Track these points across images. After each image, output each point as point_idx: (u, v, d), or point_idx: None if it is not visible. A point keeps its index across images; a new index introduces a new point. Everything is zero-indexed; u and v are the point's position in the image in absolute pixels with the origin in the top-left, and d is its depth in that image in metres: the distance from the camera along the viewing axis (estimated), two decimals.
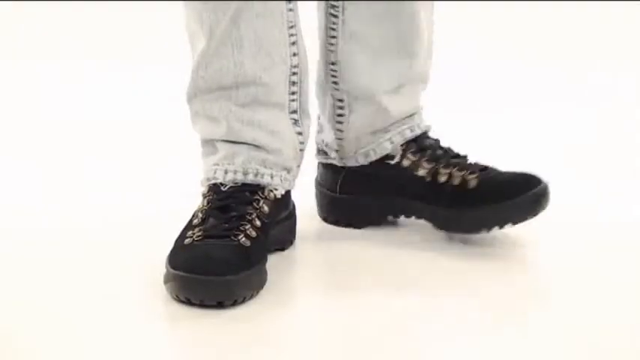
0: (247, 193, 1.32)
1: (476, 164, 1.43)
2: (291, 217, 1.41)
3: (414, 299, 1.26)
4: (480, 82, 2.29)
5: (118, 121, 2.08)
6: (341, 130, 1.46)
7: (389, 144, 1.44)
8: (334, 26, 1.42)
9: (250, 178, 1.33)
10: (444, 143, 1.46)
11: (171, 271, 1.23)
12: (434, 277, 1.33)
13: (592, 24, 2.54)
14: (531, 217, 1.37)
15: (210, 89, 1.33)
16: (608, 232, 1.48)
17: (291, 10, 1.34)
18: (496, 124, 2.02)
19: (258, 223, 1.29)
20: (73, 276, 1.32)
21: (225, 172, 1.33)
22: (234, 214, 1.29)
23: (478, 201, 1.38)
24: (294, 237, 1.43)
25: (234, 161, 1.33)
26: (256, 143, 1.34)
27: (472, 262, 1.37)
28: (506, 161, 1.47)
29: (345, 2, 1.41)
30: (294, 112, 1.37)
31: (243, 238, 1.26)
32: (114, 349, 1.13)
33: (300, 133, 1.38)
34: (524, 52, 2.46)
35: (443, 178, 1.40)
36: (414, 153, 1.43)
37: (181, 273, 1.22)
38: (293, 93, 1.36)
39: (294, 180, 1.39)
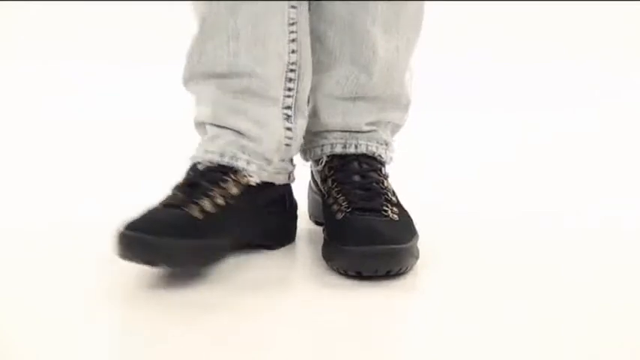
0: (219, 173, 1.33)
1: (371, 204, 1.33)
2: (283, 215, 1.42)
3: (414, 299, 1.27)
4: (471, 83, 2.29)
5: (119, 121, 2.08)
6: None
7: (319, 150, 1.43)
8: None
9: (226, 160, 1.34)
10: (387, 179, 1.40)
11: (119, 230, 1.25)
12: (432, 278, 1.33)
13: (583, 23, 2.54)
14: (354, 270, 1.27)
15: (204, 75, 1.35)
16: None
17: (293, 7, 1.34)
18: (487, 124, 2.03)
19: (219, 201, 1.31)
20: (73, 275, 1.32)
21: (205, 151, 1.35)
22: (198, 190, 1.31)
23: (331, 236, 1.33)
24: (287, 238, 1.43)
25: (214, 143, 1.35)
26: (237, 129, 1.35)
27: (455, 257, 1.37)
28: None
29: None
30: (288, 107, 1.37)
31: (196, 210, 1.28)
32: (111, 348, 1.13)
33: (289, 129, 1.38)
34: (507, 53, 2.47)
35: (329, 201, 1.37)
36: (329, 168, 1.41)
37: (122, 230, 1.24)
38: (289, 89, 1.36)
39: (277, 174, 1.39)
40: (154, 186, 1.68)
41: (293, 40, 1.34)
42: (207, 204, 1.29)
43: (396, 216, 1.33)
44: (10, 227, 1.49)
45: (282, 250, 1.41)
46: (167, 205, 1.29)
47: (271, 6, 1.31)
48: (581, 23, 2.54)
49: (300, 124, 1.39)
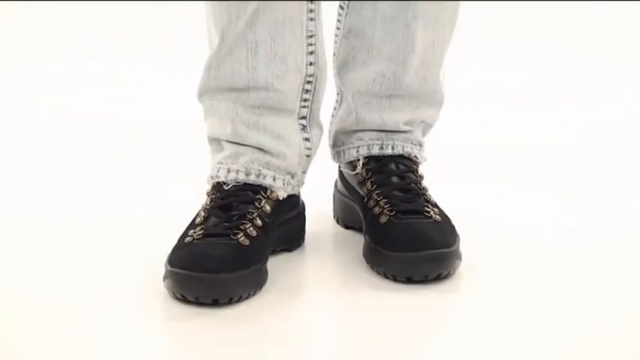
0: (250, 192, 1.32)
1: (413, 206, 1.33)
2: (300, 217, 1.42)
3: (415, 299, 1.26)
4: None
5: (119, 122, 2.08)
6: (331, 123, 1.47)
7: (354, 152, 1.43)
8: (340, 17, 1.42)
9: (252, 179, 1.33)
10: (422, 180, 1.40)
11: (169, 268, 1.23)
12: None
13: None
14: (404, 276, 1.28)
15: (220, 89, 1.33)
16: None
17: (312, 19, 1.32)
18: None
19: (259, 222, 1.30)
20: (74, 275, 1.32)
21: (228, 170, 1.33)
22: (235, 212, 1.29)
23: (376, 240, 1.32)
24: (302, 238, 1.43)
25: (237, 160, 1.33)
26: (260, 146, 1.33)
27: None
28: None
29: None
30: (304, 117, 1.37)
31: (242, 237, 1.27)
32: (113, 348, 1.13)
33: (307, 139, 1.37)
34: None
35: (370, 204, 1.37)
36: (367, 170, 1.40)
37: (177, 270, 1.22)
38: (305, 100, 1.35)
39: (298, 185, 1.39)
40: (154, 187, 1.69)
41: (311, 53, 1.33)
42: (250, 228, 1.28)
43: (438, 217, 1.32)
44: (8, 227, 1.49)
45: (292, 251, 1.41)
46: (209, 234, 1.26)
47: (290, 18, 1.30)
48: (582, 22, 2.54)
49: (316, 134, 1.39)
